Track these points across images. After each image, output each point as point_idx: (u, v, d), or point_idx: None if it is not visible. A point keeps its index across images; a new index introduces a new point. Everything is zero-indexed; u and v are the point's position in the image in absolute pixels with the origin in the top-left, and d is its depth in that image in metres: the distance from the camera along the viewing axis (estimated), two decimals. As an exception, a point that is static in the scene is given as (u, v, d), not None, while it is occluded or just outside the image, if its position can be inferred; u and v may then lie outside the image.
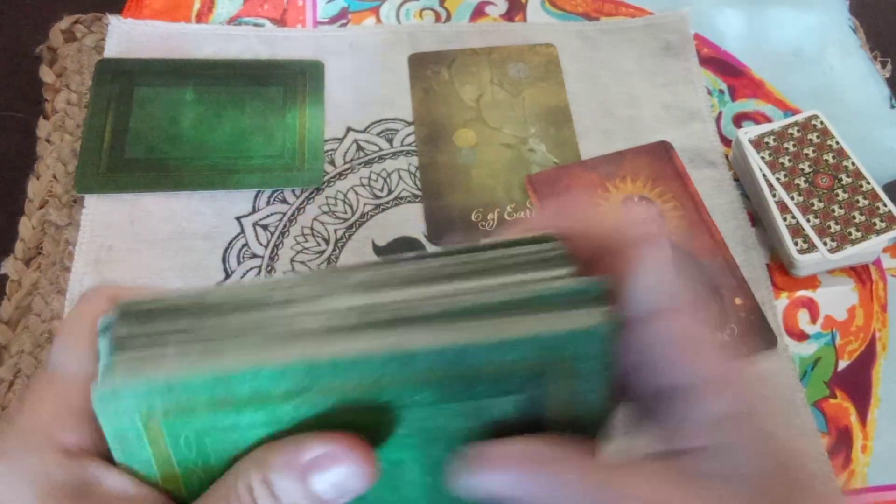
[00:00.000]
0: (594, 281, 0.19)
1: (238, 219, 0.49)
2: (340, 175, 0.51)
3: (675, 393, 0.20)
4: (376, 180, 0.51)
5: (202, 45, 0.55)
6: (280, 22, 0.57)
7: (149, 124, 0.51)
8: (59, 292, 0.46)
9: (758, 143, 0.50)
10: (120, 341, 0.19)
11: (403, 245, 0.49)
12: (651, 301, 0.21)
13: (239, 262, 0.48)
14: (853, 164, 0.49)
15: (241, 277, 0.47)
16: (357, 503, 0.20)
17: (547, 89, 0.55)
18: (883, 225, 0.47)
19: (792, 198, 0.48)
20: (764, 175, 0.49)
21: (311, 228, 0.49)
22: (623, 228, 0.22)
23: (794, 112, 0.54)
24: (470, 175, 0.51)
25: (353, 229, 0.49)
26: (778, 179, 0.48)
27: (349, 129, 0.53)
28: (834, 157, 0.49)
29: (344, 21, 0.58)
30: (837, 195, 0.48)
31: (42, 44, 0.56)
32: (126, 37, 0.55)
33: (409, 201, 0.50)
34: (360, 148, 0.52)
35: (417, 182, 0.51)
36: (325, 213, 0.50)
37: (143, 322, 0.19)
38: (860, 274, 0.49)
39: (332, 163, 0.51)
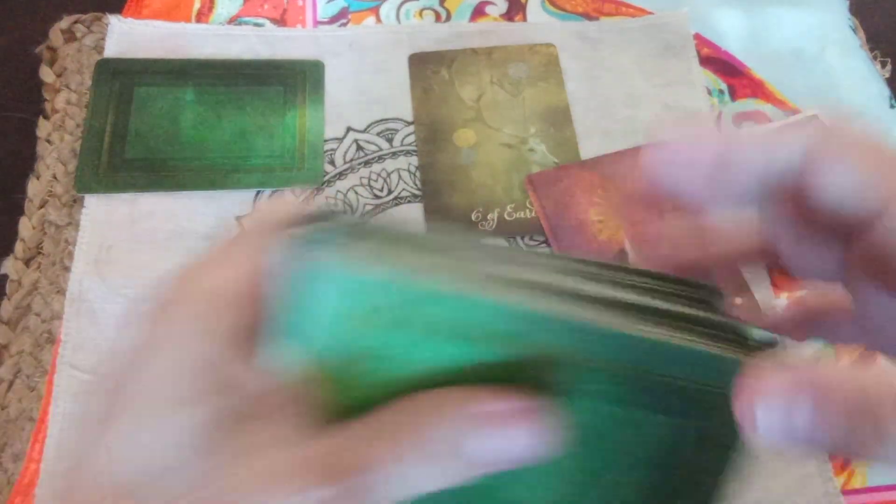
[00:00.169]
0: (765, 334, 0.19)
1: (238, 219, 0.49)
2: (340, 175, 0.51)
3: None
4: (376, 180, 0.51)
5: (202, 45, 0.55)
6: (280, 22, 0.57)
7: (149, 124, 0.51)
8: (59, 292, 0.46)
9: (758, 143, 0.50)
10: (318, 242, 0.18)
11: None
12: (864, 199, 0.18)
13: (239, 262, 0.48)
14: (853, 164, 0.49)
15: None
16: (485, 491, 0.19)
17: (547, 89, 0.55)
18: (883, 225, 0.46)
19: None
20: (764, 175, 0.49)
21: (311, 228, 0.49)
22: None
23: (794, 112, 0.54)
24: (470, 175, 0.51)
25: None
26: (778, 179, 0.48)
27: (349, 129, 0.53)
28: (834, 157, 0.49)
29: (344, 21, 0.58)
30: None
31: (42, 44, 0.56)
32: (126, 37, 0.55)
33: (409, 201, 0.50)
34: (360, 148, 0.52)
35: (417, 182, 0.51)
36: (325, 213, 0.50)
37: (345, 234, 0.19)
38: (860, 274, 0.49)
39: (332, 163, 0.51)
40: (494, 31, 0.57)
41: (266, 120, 0.52)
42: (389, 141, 0.53)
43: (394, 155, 0.52)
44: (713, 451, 0.19)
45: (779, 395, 0.17)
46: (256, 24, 0.57)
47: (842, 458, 0.43)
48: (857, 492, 0.42)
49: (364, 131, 0.53)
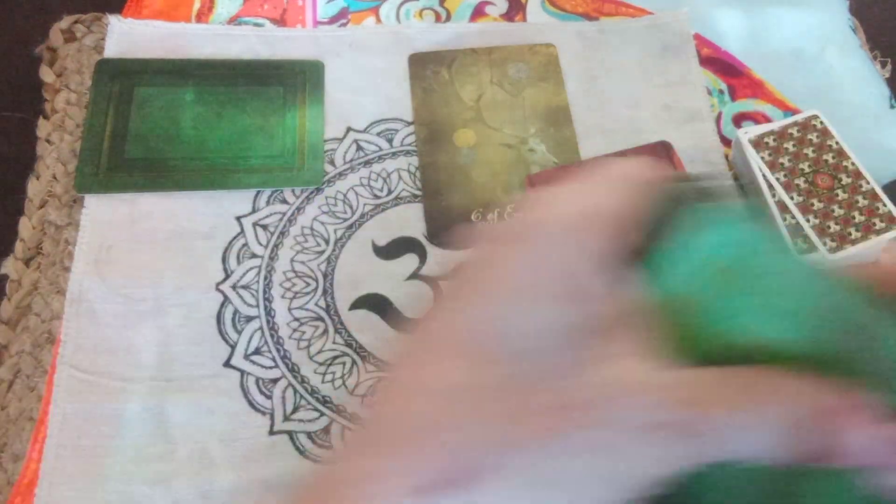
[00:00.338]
0: None
1: (238, 219, 0.49)
2: (340, 175, 0.51)
3: None
4: (376, 180, 0.51)
5: (202, 45, 0.55)
6: (280, 22, 0.57)
7: (149, 124, 0.51)
8: (58, 292, 0.46)
9: (758, 143, 0.50)
10: (696, 194, 0.20)
11: (403, 245, 0.49)
12: None
13: (239, 262, 0.48)
14: (853, 164, 0.49)
15: (241, 277, 0.47)
16: None
17: (547, 89, 0.55)
18: (883, 225, 0.47)
19: (791, 198, 0.48)
20: (763, 175, 0.49)
21: (311, 228, 0.49)
22: None
23: (794, 112, 0.54)
24: (470, 175, 0.51)
25: (353, 229, 0.49)
26: (778, 179, 0.48)
27: (349, 129, 0.53)
28: (834, 157, 0.49)
29: (344, 21, 0.58)
30: (837, 195, 0.48)
31: (42, 44, 0.56)
32: (126, 37, 0.55)
33: (409, 201, 0.50)
34: (359, 148, 0.52)
35: (417, 182, 0.51)
36: (324, 213, 0.50)
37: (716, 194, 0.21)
38: (860, 274, 0.49)
39: (332, 163, 0.52)
40: (494, 31, 0.57)
41: (266, 120, 0.52)
42: (389, 141, 0.53)
43: (394, 155, 0.52)
44: None
45: None
46: (256, 24, 0.57)
47: None
48: (856, 492, 0.42)
49: (364, 131, 0.53)
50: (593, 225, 0.22)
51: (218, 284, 0.47)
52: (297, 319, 0.46)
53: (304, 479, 0.22)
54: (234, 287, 0.47)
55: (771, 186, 0.48)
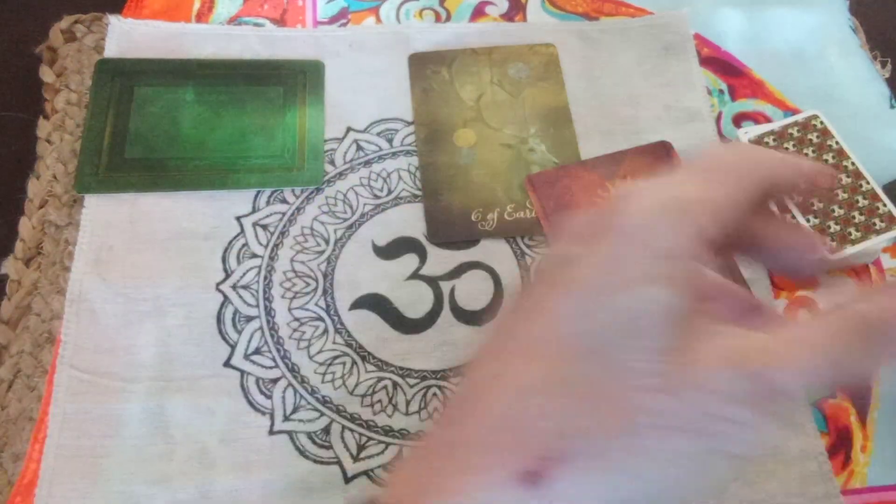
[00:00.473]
0: None
1: (238, 219, 0.49)
2: (340, 175, 0.51)
3: None
4: (376, 180, 0.51)
5: (202, 45, 0.55)
6: (280, 22, 0.57)
7: (148, 124, 0.51)
8: (59, 292, 0.46)
9: (757, 143, 0.50)
10: None
11: (403, 245, 0.49)
12: None
13: (239, 262, 0.48)
14: (853, 164, 0.49)
15: (241, 277, 0.47)
16: None
17: (547, 89, 0.55)
18: (883, 225, 0.47)
19: (791, 198, 0.48)
20: (764, 175, 0.49)
21: (311, 228, 0.49)
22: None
23: (794, 112, 0.54)
24: (470, 175, 0.51)
25: (353, 229, 0.49)
26: (778, 179, 0.48)
27: (349, 129, 0.53)
28: (834, 157, 0.49)
29: (344, 21, 0.58)
30: (837, 195, 0.48)
31: (42, 44, 0.56)
32: (126, 37, 0.55)
33: (409, 201, 0.50)
34: (359, 148, 0.52)
35: (417, 182, 0.51)
36: (324, 212, 0.50)
37: None
38: (860, 274, 0.49)
39: (332, 163, 0.52)
40: (494, 31, 0.57)
41: (266, 120, 0.52)
42: (389, 141, 0.53)
43: (394, 155, 0.52)
44: None
45: None
46: (256, 24, 0.57)
47: (842, 457, 0.43)
48: (857, 492, 0.42)
49: (364, 131, 0.53)
50: (687, 211, 0.23)
51: (218, 284, 0.47)
52: (297, 319, 0.46)
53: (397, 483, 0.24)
54: (234, 287, 0.47)
55: (771, 186, 0.48)
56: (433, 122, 0.53)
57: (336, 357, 0.45)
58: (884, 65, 0.58)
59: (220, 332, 0.46)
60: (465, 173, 0.51)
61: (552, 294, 0.23)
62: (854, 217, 0.47)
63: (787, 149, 0.49)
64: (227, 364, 0.45)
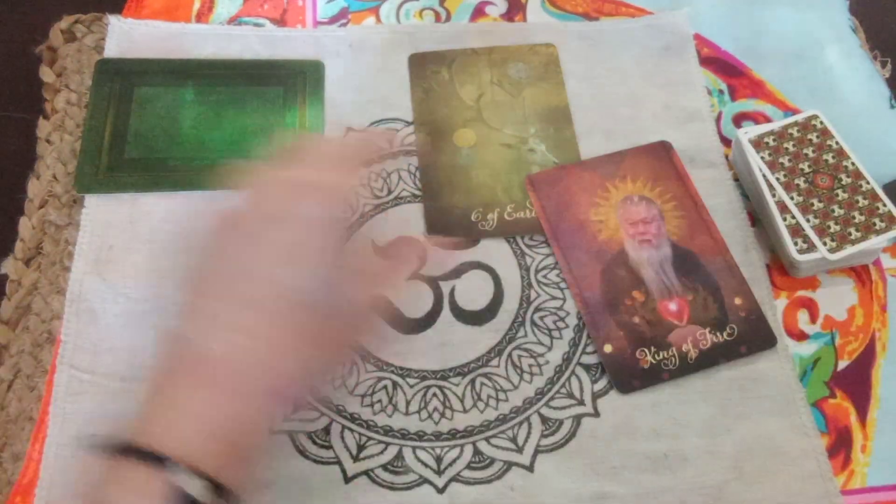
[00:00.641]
0: None
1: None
2: (340, 175, 0.51)
3: None
4: (376, 180, 0.51)
5: (202, 45, 0.55)
6: (280, 22, 0.58)
7: (148, 124, 0.51)
8: (58, 292, 0.46)
9: (757, 143, 0.50)
10: None
11: (403, 245, 0.49)
12: None
13: (239, 262, 0.48)
14: (853, 164, 0.49)
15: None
16: None
17: (547, 89, 0.55)
18: (883, 225, 0.47)
19: (791, 198, 0.48)
20: (764, 175, 0.49)
21: (311, 228, 0.49)
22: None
23: (794, 112, 0.54)
24: (470, 175, 0.51)
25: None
26: (778, 179, 0.48)
27: (349, 129, 0.53)
28: (834, 157, 0.49)
29: (344, 21, 0.58)
30: (837, 195, 0.48)
31: (42, 44, 0.56)
32: (126, 37, 0.55)
33: (409, 201, 0.50)
34: (360, 148, 0.52)
35: (417, 182, 0.51)
36: (325, 213, 0.50)
37: None
38: (860, 274, 0.49)
39: (332, 163, 0.51)
40: (494, 31, 0.57)
41: (266, 120, 0.52)
42: (389, 141, 0.53)
43: (394, 155, 0.52)
44: None
45: None
46: (256, 24, 0.57)
47: (842, 457, 0.43)
48: (857, 492, 0.42)
49: (364, 131, 0.53)
50: (331, 202, 0.36)
51: None
52: (297, 319, 0.46)
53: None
54: (234, 287, 0.47)
55: (771, 186, 0.48)
56: (433, 122, 0.53)
57: (336, 357, 0.45)
58: (884, 65, 0.58)
59: (220, 332, 0.45)
60: (465, 173, 0.51)
61: (255, 255, 0.34)
62: (854, 217, 0.47)
63: (786, 149, 0.49)
64: (227, 364, 0.45)
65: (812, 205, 0.47)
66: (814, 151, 0.49)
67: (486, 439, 0.43)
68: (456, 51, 0.56)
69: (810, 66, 0.57)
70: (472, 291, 0.47)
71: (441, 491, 0.41)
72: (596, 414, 0.44)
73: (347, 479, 0.42)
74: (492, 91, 0.55)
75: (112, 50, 0.55)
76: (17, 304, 0.47)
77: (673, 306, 0.46)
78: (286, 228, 0.34)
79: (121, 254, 0.47)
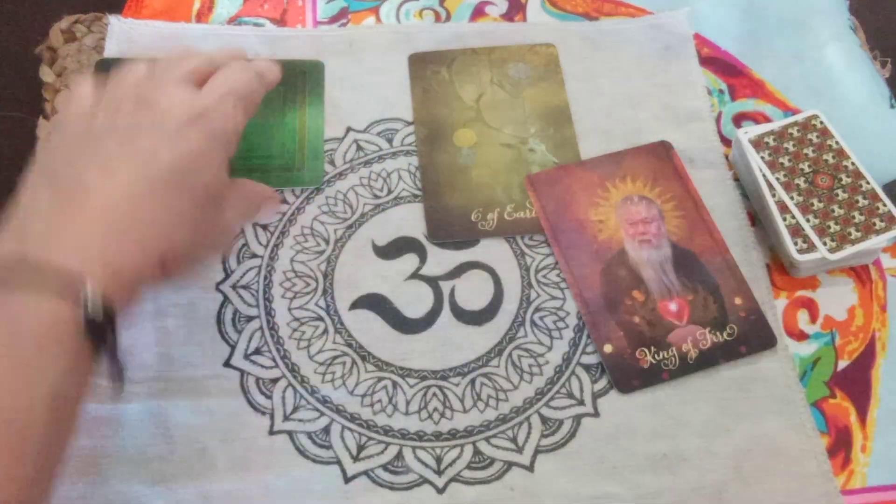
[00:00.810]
0: None
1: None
2: (340, 175, 0.51)
3: None
4: (376, 180, 0.51)
5: (202, 45, 0.55)
6: (280, 22, 0.58)
7: (149, 124, 0.51)
8: (59, 292, 0.46)
9: (758, 143, 0.50)
10: None
11: (403, 245, 0.49)
12: None
13: (239, 263, 0.48)
14: (853, 164, 0.49)
15: (241, 277, 0.47)
16: None
17: (547, 89, 0.55)
18: (883, 225, 0.47)
19: (791, 198, 0.48)
20: (764, 175, 0.49)
21: (311, 228, 0.49)
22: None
23: (794, 112, 0.54)
24: (470, 175, 0.51)
25: (353, 229, 0.49)
26: (778, 179, 0.48)
27: (349, 129, 0.53)
28: (834, 157, 0.49)
29: (344, 21, 0.58)
30: (837, 195, 0.48)
31: (42, 44, 0.56)
32: (126, 37, 0.55)
33: (409, 201, 0.50)
34: (359, 148, 0.52)
35: (417, 182, 0.51)
36: (324, 212, 0.50)
37: None
38: (860, 274, 0.49)
39: (332, 163, 0.52)
40: (494, 31, 0.57)
41: (266, 120, 0.52)
42: (389, 141, 0.53)
43: (394, 155, 0.52)
44: None
45: None
46: (256, 24, 0.57)
47: (842, 457, 0.43)
48: (857, 492, 0.42)
49: (364, 131, 0.53)
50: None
51: (218, 284, 0.47)
52: (297, 319, 0.46)
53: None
54: (234, 287, 0.47)
55: (771, 186, 0.48)
56: (433, 122, 0.53)
57: (336, 357, 0.45)
58: (884, 65, 0.58)
59: (221, 332, 0.46)
60: (465, 173, 0.51)
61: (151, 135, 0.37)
62: (854, 217, 0.47)
63: (786, 149, 0.49)
64: (227, 364, 0.45)
65: (812, 205, 0.47)
66: (814, 151, 0.49)
67: (486, 439, 0.43)
68: (456, 51, 0.56)
69: (810, 66, 0.57)
70: (472, 291, 0.47)
71: (441, 491, 0.41)
72: (596, 414, 0.44)
73: (347, 479, 0.42)
74: (492, 91, 0.55)
75: (112, 50, 0.55)
76: (17, 304, 0.47)
77: (673, 306, 0.46)
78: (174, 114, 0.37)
79: (121, 254, 0.47)
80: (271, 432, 0.43)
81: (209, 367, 0.44)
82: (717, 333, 0.45)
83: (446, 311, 0.47)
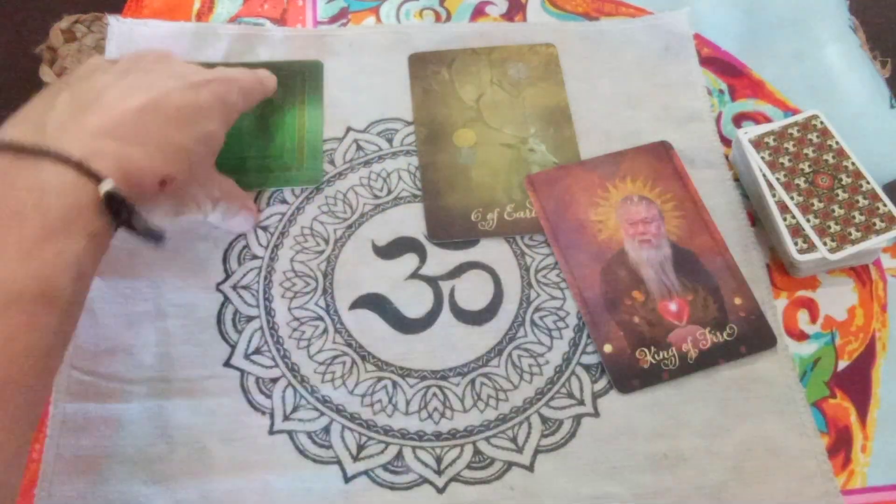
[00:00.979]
0: None
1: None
2: (340, 175, 0.51)
3: None
4: (376, 180, 0.51)
5: (202, 45, 0.55)
6: (280, 22, 0.57)
7: (149, 124, 0.51)
8: (59, 292, 0.46)
9: (758, 143, 0.50)
10: None
11: (403, 245, 0.49)
12: None
13: (240, 263, 0.48)
14: (853, 164, 0.49)
15: (242, 278, 0.47)
16: None
17: (547, 89, 0.55)
18: (883, 225, 0.47)
19: (792, 198, 0.48)
20: (764, 175, 0.49)
21: (311, 228, 0.49)
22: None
23: (794, 112, 0.54)
24: (470, 175, 0.51)
25: (353, 229, 0.49)
26: (778, 179, 0.48)
27: (349, 129, 0.53)
28: (834, 157, 0.49)
29: (344, 21, 0.58)
30: (837, 195, 0.48)
31: (42, 44, 0.56)
32: (126, 37, 0.55)
33: (409, 201, 0.50)
34: (359, 148, 0.52)
35: (417, 182, 0.51)
36: (324, 212, 0.50)
37: None
38: (860, 274, 0.49)
39: (332, 163, 0.52)
40: (494, 31, 0.57)
41: (265, 120, 0.52)
42: (389, 141, 0.53)
43: (394, 155, 0.52)
44: None
45: None
46: (256, 24, 0.57)
47: (842, 457, 0.43)
48: (857, 492, 0.42)
49: (364, 131, 0.53)
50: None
51: (218, 285, 0.47)
52: (297, 319, 0.46)
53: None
54: (234, 287, 0.47)
55: (771, 186, 0.48)
56: (433, 122, 0.53)
57: (336, 357, 0.45)
58: (884, 65, 0.58)
59: (221, 332, 0.46)
60: (465, 173, 0.51)
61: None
62: (854, 217, 0.47)
63: (786, 149, 0.49)
64: (227, 364, 0.45)
65: (812, 205, 0.47)
66: (814, 151, 0.49)
67: (486, 439, 0.43)
68: (456, 51, 0.56)
69: (810, 66, 0.57)
70: (472, 291, 0.47)
71: (441, 491, 0.41)
72: (596, 414, 0.44)
73: (347, 479, 0.42)
74: (492, 91, 0.55)
75: (112, 50, 0.55)
76: (17, 304, 0.47)
77: (673, 306, 0.46)
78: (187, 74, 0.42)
79: (121, 254, 0.47)
80: (271, 432, 0.43)
81: (209, 367, 0.44)
82: (717, 333, 0.45)
83: (446, 311, 0.47)
